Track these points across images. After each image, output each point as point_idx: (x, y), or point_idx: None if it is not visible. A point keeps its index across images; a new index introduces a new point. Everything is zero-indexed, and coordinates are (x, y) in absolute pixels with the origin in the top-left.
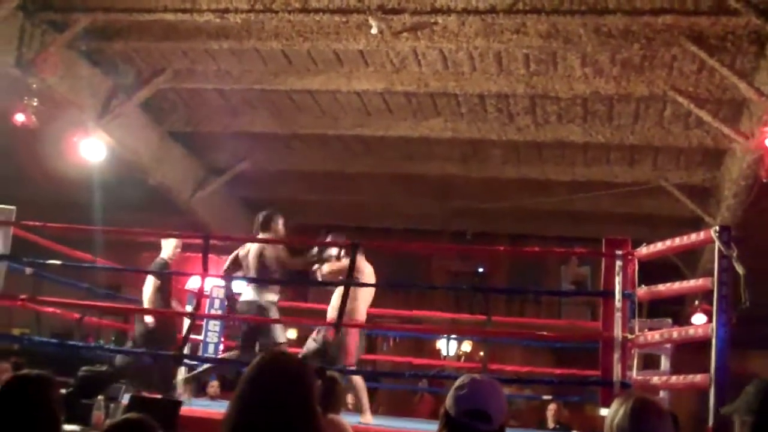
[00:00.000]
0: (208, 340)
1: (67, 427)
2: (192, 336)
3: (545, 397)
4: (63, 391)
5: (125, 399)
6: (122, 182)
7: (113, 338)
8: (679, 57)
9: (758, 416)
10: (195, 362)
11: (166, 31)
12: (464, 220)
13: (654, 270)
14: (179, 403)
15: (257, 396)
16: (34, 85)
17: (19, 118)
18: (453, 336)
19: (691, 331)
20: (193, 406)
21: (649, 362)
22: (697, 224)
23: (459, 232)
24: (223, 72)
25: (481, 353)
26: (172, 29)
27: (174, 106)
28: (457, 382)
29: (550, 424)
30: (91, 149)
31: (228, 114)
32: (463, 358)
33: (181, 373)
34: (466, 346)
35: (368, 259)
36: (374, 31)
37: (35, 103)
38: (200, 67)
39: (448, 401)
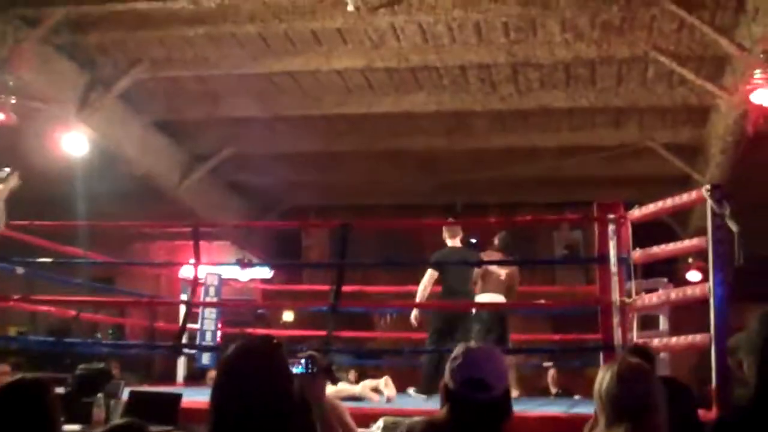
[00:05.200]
0: (205, 327)
1: (67, 427)
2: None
3: (546, 364)
4: (62, 389)
5: (125, 395)
6: (107, 175)
7: (110, 332)
8: (658, 16)
9: (762, 354)
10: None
11: (141, 21)
12: (453, 193)
13: (645, 230)
14: (179, 397)
15: (231, 384)
16: (11, 83)
17: None
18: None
19: (689, 291)
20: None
21: (648, 323)
22: (686, 183)
23: (448, 205)
24: (200, 58)
25: None
26: (147, 18)
27: (154, 96)
28: (453, 354)
29: (552, 390)
30: (73, 143)
31: (209, 100)
32: None
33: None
34: None
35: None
36: (350, 8)
37: (13, 101)
38: (177, 54)
39: (446, 374)
